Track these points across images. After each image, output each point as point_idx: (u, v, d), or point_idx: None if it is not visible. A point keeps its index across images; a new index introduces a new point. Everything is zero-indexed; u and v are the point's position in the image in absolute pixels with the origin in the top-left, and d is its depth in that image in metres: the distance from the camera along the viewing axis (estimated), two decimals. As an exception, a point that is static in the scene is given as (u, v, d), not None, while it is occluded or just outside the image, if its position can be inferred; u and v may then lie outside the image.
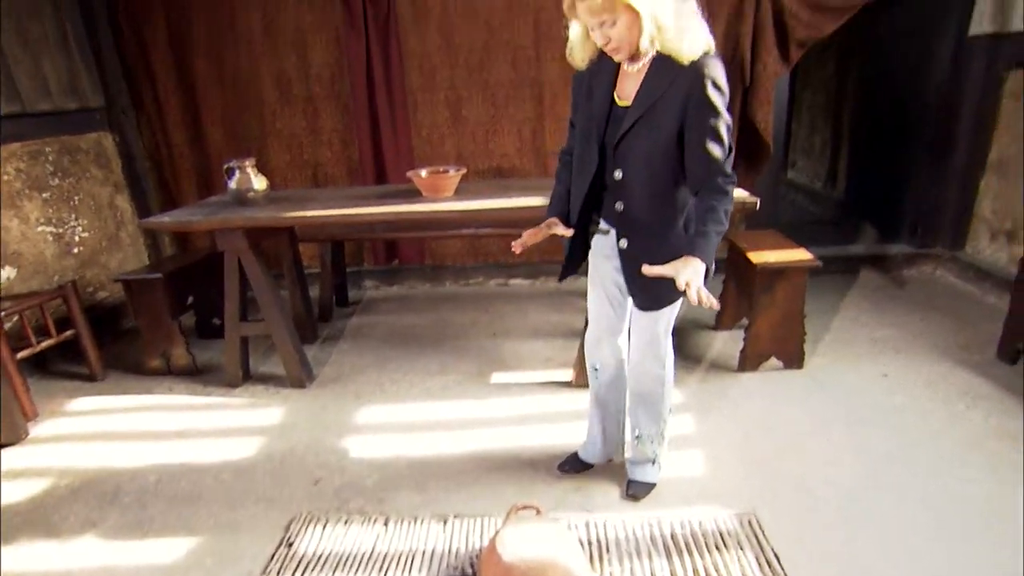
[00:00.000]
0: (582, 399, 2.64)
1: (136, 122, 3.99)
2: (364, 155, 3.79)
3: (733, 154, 1.55)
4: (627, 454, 2.12)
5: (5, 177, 3.17)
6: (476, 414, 2.55)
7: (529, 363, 2.96)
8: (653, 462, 2.04)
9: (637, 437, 2.00)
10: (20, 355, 2.76)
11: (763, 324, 2.76)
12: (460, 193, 2.69)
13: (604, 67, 1.61)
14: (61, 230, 3.50)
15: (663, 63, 1.49)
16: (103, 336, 3.39)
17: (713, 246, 1.50)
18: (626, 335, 1.98)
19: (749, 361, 2.83)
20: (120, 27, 3.74)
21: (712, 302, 1.42)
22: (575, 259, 1.89)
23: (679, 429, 2.41)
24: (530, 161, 3.78)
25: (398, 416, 2.57)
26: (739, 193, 2.56)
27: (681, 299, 1.73)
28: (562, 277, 1.91)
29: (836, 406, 2.50)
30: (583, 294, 3.74)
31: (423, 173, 2.70)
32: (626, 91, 1.57)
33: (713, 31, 3.53)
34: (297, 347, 2.81)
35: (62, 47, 3.49)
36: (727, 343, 3.13)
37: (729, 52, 3.55)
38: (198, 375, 3.06)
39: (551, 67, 3.59)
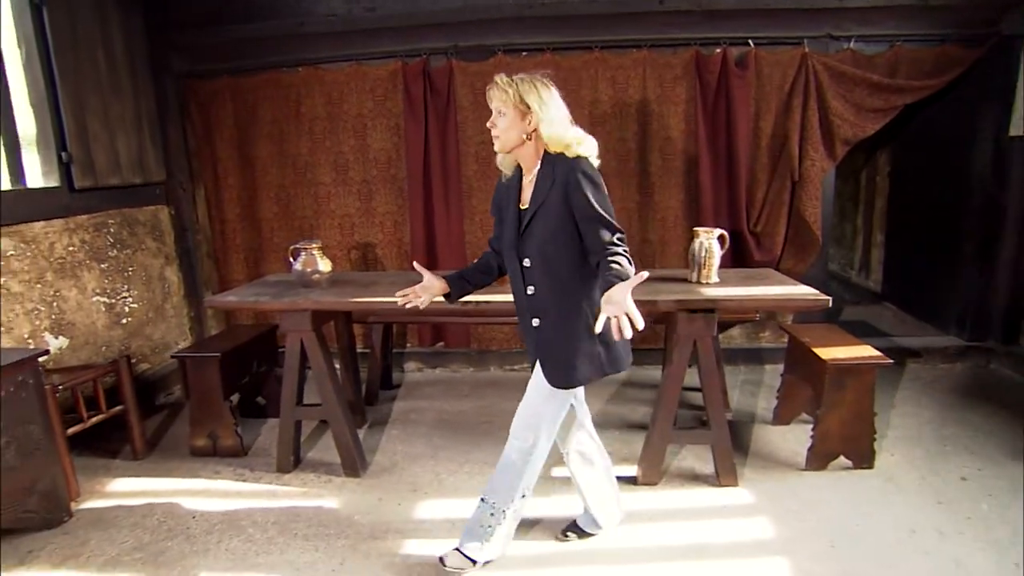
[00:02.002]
0: (649, 497, 2.55)
1: (192, 196, 4.10)
2: (416, 237, 3.84)
3: (618, 233, 1.79)
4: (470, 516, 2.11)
5: (71, 248, 3.22)
6: (541, 512, 2.43)
7: (588, 455, 2.86)
8: (483, 541, 2.04)
9: (482, 500, 2.05)
10: (71, 431, 2.70)
11: (832, 422, 2.68)
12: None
13: (512, 183, 1.96)
14: (113, 300, 3.51)
15: (546, 169, 1.84)
16: (142, 410, 3.32)
17: (622, 278, 1.68)
18: (575, 419, 2.12)
19: (817, 460, 2.73)
20: (189, 108, 3.91)
21: (637, 321, 1.56)
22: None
23: (754, 533, 2.29)
24: (581, 250, 3.81)
25: (459, 512, 2.45)
26: (808, 290, 2.57)
27: (574, 392, 1.95)
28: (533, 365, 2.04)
29: (920, 513, 2.38)
30: (627, 383, 3.72)
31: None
32: (525, 198, 1.91)
33: (762, 128, 3.65)
34: (353, 434, 2.74)
35: (135, 125, 3.64)
36: (787, 438, 3.03)
37: (777, 148, 3.66)
38: (244, 457, 2.97)
39: (603, 159, 3.64)
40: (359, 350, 3.77)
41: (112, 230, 3.53)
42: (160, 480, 2.81)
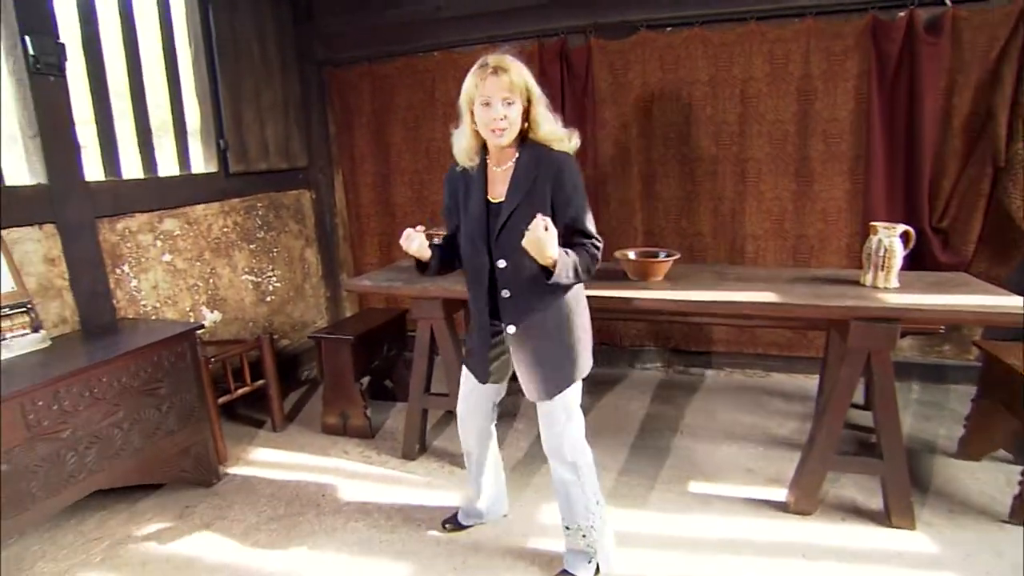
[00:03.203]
0: (803, 529, 2.23)
1: (331, 181, 4.26)
2: (546, 224, 3.70)
3: (595, 239, 1.72)
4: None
5: (225, 229, 3.45)
6: (681, 532, 2.21)
7: (729, 473, 2.58)
8: (590, 560, 1.96)
9: (566, 528, 1.97)
10: (220, 400, 2.88)
11: (1049, 466, 2.18)
12: (669, 278, 2.46)
13: (476, 174, 1.77)
14: (259, 279, 3.73)
15: (527, 159, 1.69)
16: (282, 384, 3.49)
17: (569, 266, 1.62)
18: (492, 415, 2.11)
19: (1025, 510, 2.24)
20: (331, 95, 4.05)
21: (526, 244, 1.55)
22: (484, 358, 1.94)
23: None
24: (724, 243, 3.47)
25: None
26: (1015, 301, 2.10)
27: (576, 384, 1.82)
28: (484, 380, 1.98)
29: None
30: (772, 392, 3.35)
31: (631, 255, 2.51)
32: (496, 190, 1.74)
33: (956, 106, 3.06)
34: (479, 426, 2.66)
35: (282, 113, 3.82)
36: (978, 477, 2.53)
37: (976, 129, 3.07)
38: (371, 439, 3.02)
39: (755, 143, 3.32)
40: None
41: (260, 213, 3.75)
42: (294, 454, 2.93)
